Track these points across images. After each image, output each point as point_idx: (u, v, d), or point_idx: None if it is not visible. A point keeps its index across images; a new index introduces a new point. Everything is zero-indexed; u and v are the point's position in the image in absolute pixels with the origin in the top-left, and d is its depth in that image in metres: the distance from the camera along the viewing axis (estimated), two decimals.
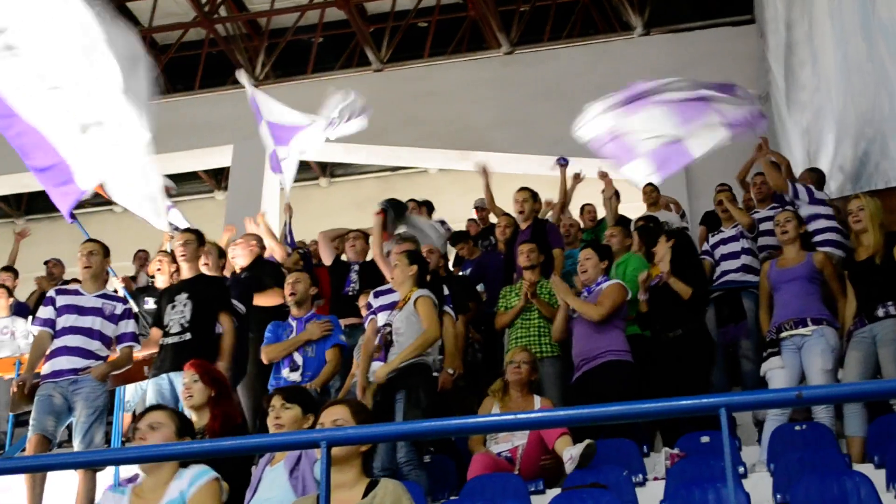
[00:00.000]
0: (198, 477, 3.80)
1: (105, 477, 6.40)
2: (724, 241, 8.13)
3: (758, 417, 6.63)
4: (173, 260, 7.71)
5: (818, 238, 7.35)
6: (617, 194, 9.09)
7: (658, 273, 6.93)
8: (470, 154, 13.71)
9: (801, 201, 7.63)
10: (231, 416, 5.20)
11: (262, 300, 7.67)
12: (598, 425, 5.94)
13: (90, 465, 5.70)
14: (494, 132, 13.84)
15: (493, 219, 9.91)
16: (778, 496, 5.05)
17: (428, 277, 6.66)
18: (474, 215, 11.17)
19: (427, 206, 10.42)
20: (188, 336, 6.56)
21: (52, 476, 6.22)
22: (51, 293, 6.70)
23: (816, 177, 8.32)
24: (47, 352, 6.43)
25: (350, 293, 8.04)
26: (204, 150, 14.96)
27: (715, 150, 8.75)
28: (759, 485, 5.34)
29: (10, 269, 10.26)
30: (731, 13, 14.24)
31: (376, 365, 6.16)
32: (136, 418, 4.25)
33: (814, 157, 9.83)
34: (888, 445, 5.43)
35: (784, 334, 6.21)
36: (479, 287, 8.61)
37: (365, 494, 3.78)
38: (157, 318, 6.88)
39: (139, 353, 6.80)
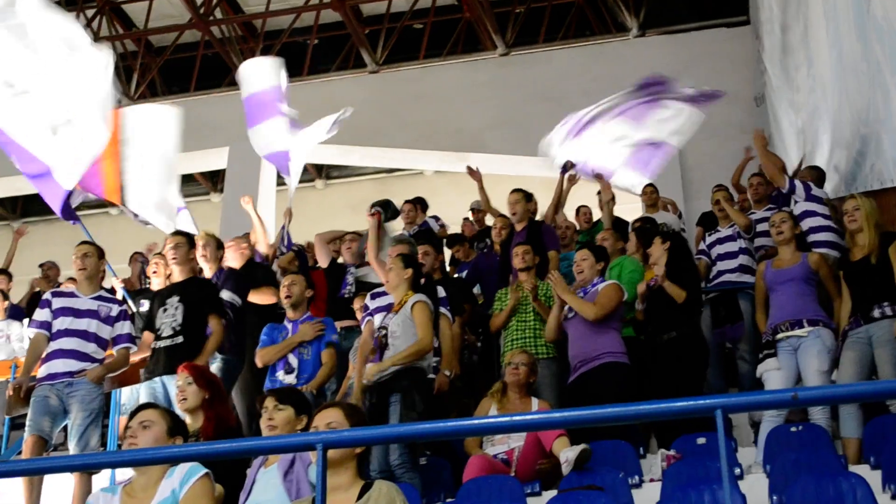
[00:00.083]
0: (189, 475, 3.78)
1: (101, 479, 6.38)
2: (720, 241, 8.12)
3: (754, 419, 6.63)
4: None
5: (814, 237, 7.34)
6: (613, 198, 9.10)
7: (653, 276, 6.93)
8: (466, 156, 13.72)
9: (797, 197, 7.64)
10: (225, 419, 5.19)
11: (257, 297, 7.67)
12: (595, 427, 5.94)
13: (86, 469, 5.69)
14: (490, 134, 13.86)
15: (489, 221, 9.91)
16: (774, 497, 5.05)
17: (422, 281, 6.65)
18: (470, 216, 11.19)
19: (421, 205, 10.43)
20: (180, 339, 6.55)
21: (48, 478, 6.21)
22: (47, 295, 6.71)
23: (817, 174, 8.31)
24: (43, 354, 6.43)
25: (346, 295, 8.04)
26: (199, 153, 14.94)
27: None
28: (755, 486, 5.33)
29: (4, 272, 10.24)
30: (726, 14, 14.28)
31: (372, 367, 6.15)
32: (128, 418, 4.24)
33: (809, 158, 9.83)
34: (884, 446, 5.43)
35: (780, 336, 6.21)
36: (476, 289, 8.62)
37: (360, 496, 3.78)
38: (149, 322, 6.87)
39: (135, 355, 6.79)
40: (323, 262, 8.64)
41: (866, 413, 5.95)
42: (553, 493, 5.49)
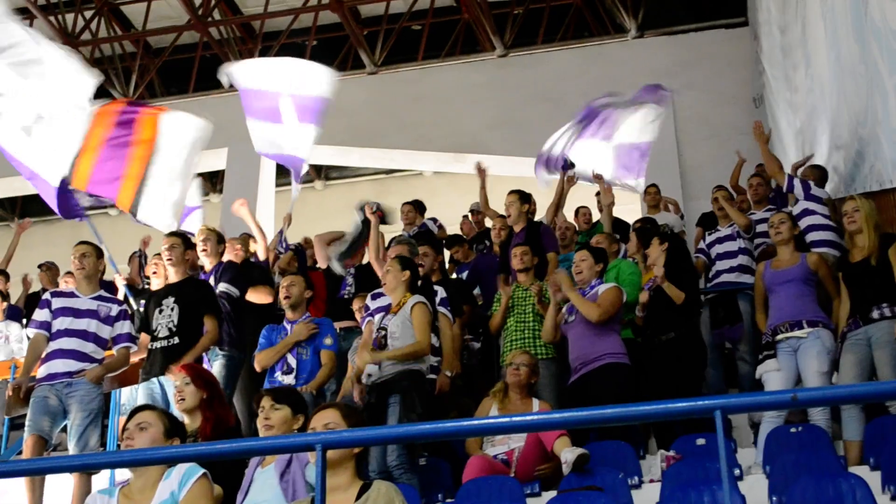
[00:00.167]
0: (187, 476, 3.78)
1: (100, 480, 6.38)
2: (719, 241, 8.12)
3: (754, 420, 6.63)
4: None
5: (813, 237, 7.34)
6: (612, 201, 9.10)
7: (651, 276, 6.93)
8: (464, 157, 13.73)
9: (796, 195, 7.64)
10: (224, 419, 5.18)
11: (254, 296, 7.67)
12: (595, 427, 5.94)
13: (85, 469, 5.69)
14: (489, 135, 13.85)
15: (488, 222, 9.92)
16: (774, 498, 5.05)
17: (419, 282, 6.65)
18: (470, 217, 11.20)
19: (418, 207, 10.43)
20: (176, 340, 6.54)
21: (49, 477, 6.21)
22: (46, 296, 6.73)
23: (819, 174, 8.31)
24: (43, 355, 6.43)
25: (346, 296, 8.04)
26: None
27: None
28: (755, 487, 5.34)
29: (2, 272, 10.23)
30: (724, 16, 14.27)
31: (372, 368, 6.14)
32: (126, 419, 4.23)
33: None
34: (884, 447, 5.43)
35: (780, 337, 6.21)
36: (476, 290, 8.61)
37: (358, 497, 3.78)
38: (145, 323, 6.87)
39: (135, 355, 6.79)
40: (322, 263, 8.64)
41: (866, 414, 5.94)
42: (553, 493, 5.49)
